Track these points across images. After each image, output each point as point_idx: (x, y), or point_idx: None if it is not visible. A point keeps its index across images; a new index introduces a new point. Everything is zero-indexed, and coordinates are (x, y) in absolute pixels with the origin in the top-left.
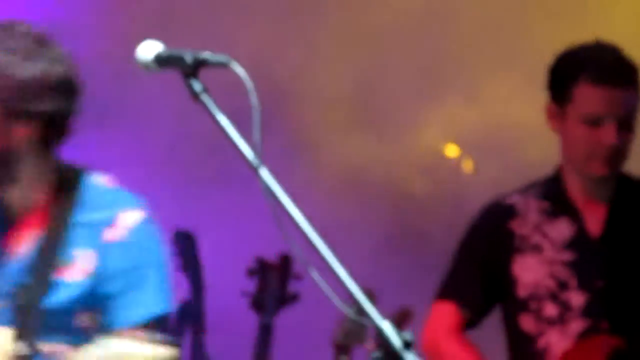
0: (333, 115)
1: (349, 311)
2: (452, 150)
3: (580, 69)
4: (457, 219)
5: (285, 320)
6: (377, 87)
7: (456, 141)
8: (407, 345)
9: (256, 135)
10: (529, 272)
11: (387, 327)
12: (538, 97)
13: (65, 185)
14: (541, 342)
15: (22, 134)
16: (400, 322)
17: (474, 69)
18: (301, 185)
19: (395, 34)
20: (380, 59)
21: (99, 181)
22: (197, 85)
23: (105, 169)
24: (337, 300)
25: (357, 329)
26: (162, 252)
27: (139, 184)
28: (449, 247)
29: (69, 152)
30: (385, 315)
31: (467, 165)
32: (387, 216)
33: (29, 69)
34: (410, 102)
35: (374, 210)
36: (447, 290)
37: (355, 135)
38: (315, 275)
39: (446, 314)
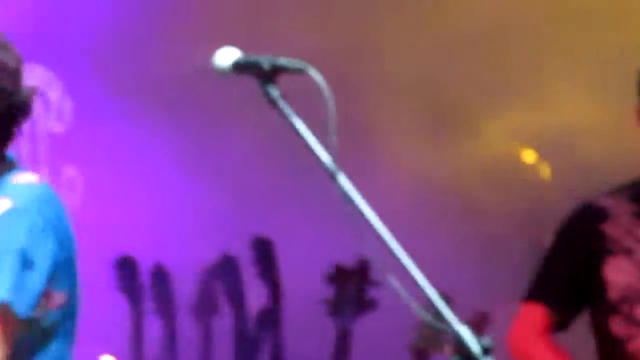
0: (403, 119)
1: (426, 316)
2: (528, 156)
3: None
4: (531, 225)
5: (363, 327)
6: (448, 91)
7: (527, 145)
8: (486, 351)
9: (332, 140)
10: (621, 275)
11: (465, 332)
12: (603, 99)
13: None
14: (632, 346)
15: None
16: (477, 327)
17: (539, 74)
18: (372, 190)
19: (467, 39)
20: (453, 63)
21: (19, 178)
22: (274, 92)
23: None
24: (415, 306)
25: (435, 334)
26: (22, 245)
27: (218, 191)
28: (523, 251)
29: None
30: (462, 320)
31: (544, 171)
32: (460, 223)
33: None
34: (481, 107)
35: (447, 215)
36: (536, 292)
37: (427, 140)
38: (393, 281)
39: (535, 315)
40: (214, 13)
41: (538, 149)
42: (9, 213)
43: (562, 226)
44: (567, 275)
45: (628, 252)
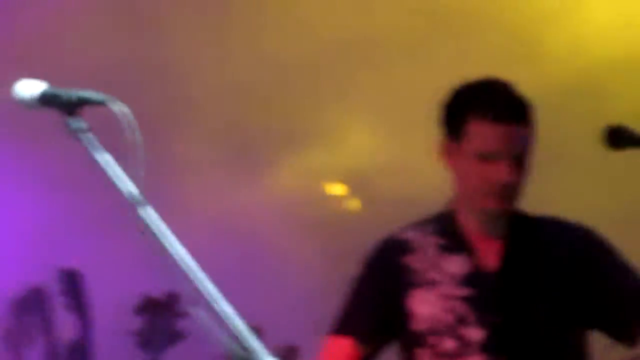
0: (205, 154)
1: (235, 348)
2: (332, 190)
3: (475, 106)
4: (340, 258)
5: (173, 358)
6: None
7: (329, 181)
8: None
9: (139, 172)
10: (425, 307)
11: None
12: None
13: None
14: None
15: None
16: (286, 358)
17: (340, 114)
18: (179, 224)
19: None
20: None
21: None
22: (76, 124)
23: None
24: (223, 338)
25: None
26: None
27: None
28: (333, 282)
29: None
30: (271, 352)
31: (349, 205)
32: (261, 259)
33: None
34: (281, 145)
35: (250, 252)
36: (343, 325)
37: (228, 176)
38: (200, 313)
39: (342, 348)
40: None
41: (342, 184)
42: None
43: (367, 259)
44: (372, 308)
45: (432, 284)
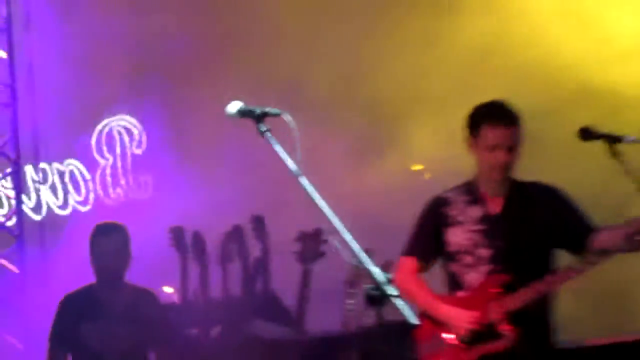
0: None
1: (356, 261)
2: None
3: (483, 117)
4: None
5: (319, 269)
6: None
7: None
8: (389, 281)
9: (298, 156)
10: (456, 237)
11: (377, 271)
12: None
13: None
14: (464, 279)
15: None
16: (385, 269)
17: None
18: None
19: None
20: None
21: None
22: (262, 127)
23: None
24: (352, 256)
25: (360, 272)
26: None
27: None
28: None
29: None
30: (377, 264)
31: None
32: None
33: None
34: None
35: None
36: (409, 250)
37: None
38: (335, 241)
39: (409, 264)
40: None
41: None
42: None
43: (423, 208)
44: (425, 239)
45: (461, 223)
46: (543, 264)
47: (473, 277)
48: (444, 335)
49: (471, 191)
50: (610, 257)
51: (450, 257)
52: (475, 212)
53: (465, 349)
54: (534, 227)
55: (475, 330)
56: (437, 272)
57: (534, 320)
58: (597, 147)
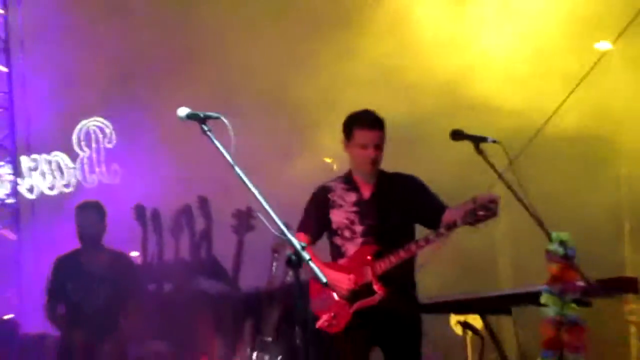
0: None
1: (279, 233)
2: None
3: (355, 122)
4: None
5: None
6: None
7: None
8: (304, 248)
9: (233, 150)
10: (337, 217)
11: (295, 241)
12: None
13: None
14: (344, 249)
15: None
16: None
17: None
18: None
19: None
20: None
21: None
22: (205, 127)
23: None
24: (273, 229)
25: (283, 241)
26: None
27: None
28: None
29: None
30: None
31: None
32: None
33: None
34: None
35: None
36: (301, 227)
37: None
38: (263, 217)
39: (301, 238)
40: None
41: None
42: None
43: (312, 194)
44: (314, 219)
45: (340, 206)
46: (405, 237)
47: (350, 247)
48: (331, 294)
49: (349, 181)
50: (457, 230)
51: (333, 232)
52: (352, 197)
53: (347, 305)
54: (397, 208)
55: (353, 290)
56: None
57: (399, 279)
58: (466, 146)
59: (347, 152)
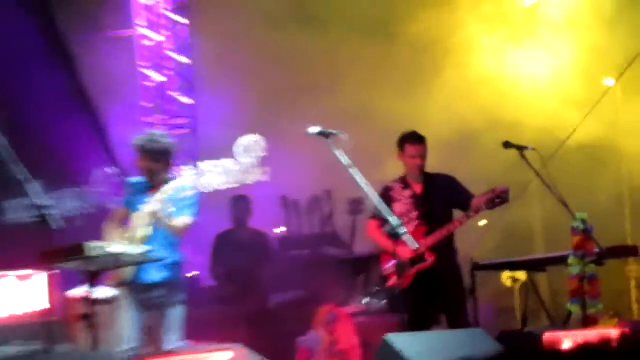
0: None
1: (380, 215)
2: None
3: (406, 139)
4: None
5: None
6: None
7: None
8: (399, 225)
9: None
10: (398, 207)
11: (393, 219)
12: None
13: None
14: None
15: None
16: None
17: None
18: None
19: None
20: None
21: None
22: (329, 141)
23: None
24: (376, 212)
25: (383, 221)
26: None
27: None
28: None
29: None
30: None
31: None
32: None
33: None
34: None
35: None
36: (374, 215)
37: None
38: (370, 204)
39: (374, 223)
40: None
41: None
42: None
43: (379, 191)
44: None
45: (399, 200)
46: (446, 219)
47: (408, 228)
48: (395, 261)
49: (404, 181)
50: (481, 212)
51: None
52: (407, 192)
53: (408, 268)
54: (439, 198)
55: (412, 258)
56: None
57: (443, 249)
58: (508, 153)
59: (401, 160)
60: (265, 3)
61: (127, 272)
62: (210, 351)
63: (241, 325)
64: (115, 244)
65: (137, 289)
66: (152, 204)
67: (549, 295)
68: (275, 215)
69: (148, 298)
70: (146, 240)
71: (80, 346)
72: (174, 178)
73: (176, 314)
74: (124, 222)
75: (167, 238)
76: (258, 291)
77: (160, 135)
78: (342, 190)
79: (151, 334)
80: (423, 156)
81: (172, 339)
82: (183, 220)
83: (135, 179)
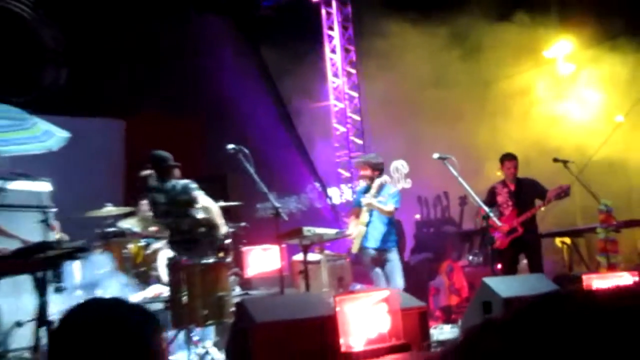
0: None
1: (477, 204)
2: None
3: (504, 157)
4: None
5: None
6: None
7: None
8: (489, 212)
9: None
10: (500, 198)
11: (486, 208)
12: None
13: None
14: (504, 212)
15: None
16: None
17: None
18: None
19: None
20: None
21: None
22: (445, 162)
23: None
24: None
25: (478, 208)
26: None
27: None
28: None
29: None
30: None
31: None
32: None
33: None
34: None
35: None
36: (484, 203)
37: None
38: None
39: (483, 210)
40: None
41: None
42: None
43: (488, 189)
44: (488, 200)
45: (500, 194)
46: (530, 205)
47: (506, 211)
48: (499, 231)
49: (503, 183)
50: (552, 201)
51: (498, 205)
52: (506, 190)
53: (506, 237)
54: (525, 193)
55: (509, 229)
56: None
57: (528, 224)
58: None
59: (501, 170)
60: (411, 69)
61: (355, 245)
62: (373, 290)
63: None
64: (315, 228)
65: (364, 252)
66: (369, 199)
67: (585, 252)
68: (414, 207)
69: (370, 257)
70: (367, 223)
71: (299, 290)
72: (384, 182)
73: (395, 265)
74: (357, 216)
75: (381, 219)
76: (403, 253)
77: (377, 155)
78: (454, 191)
79: (341, 281)
80: (515, 167)
81: (398, 281)
82: (390, 206)
83: (359, 188)
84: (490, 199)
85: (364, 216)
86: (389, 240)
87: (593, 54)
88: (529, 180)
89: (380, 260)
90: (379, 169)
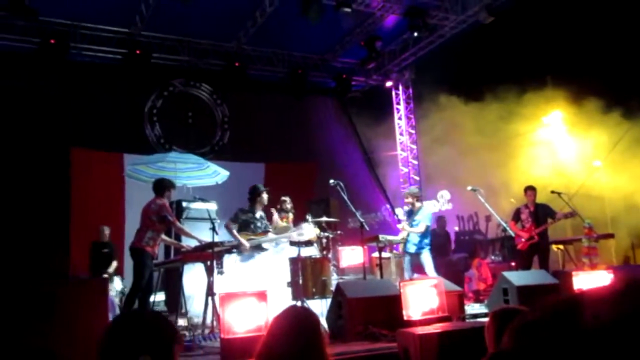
0: None
1: (498, 222)
2: None
3: (526, 189)
4: None
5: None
6: None
7: None
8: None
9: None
10: (523, 216)
11: (504, 223)
12: None
13: None
14: (525, 225)
15: None
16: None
17: None
18: None
19: None
20: None
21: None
22: (477, 193)
23: None
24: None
25: (498, 224)
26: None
27: None
28: None
29: None
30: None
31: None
32: None
33: None
34: None
35: None
36: (511, 218)
37: None
38: (495, 219)
39: (513, 223)
40: None
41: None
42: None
43: (514, 210)
44: (515, 217)
45: (524, 212)
46: (543, 222)
47: (527, 224)
48: (522, 238)
49: (526, 205)
50: (559, 220)
51: (521, 220)
52: (527, 210)
53: (527, 242)
54: (540, 213)
55: (529, 237)
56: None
57: (542, 234)
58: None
59: (525, 196)
60: (456, 128)
61: (409, 246)
62: (426, 278)
63: (441, 268)
64: (387, 236)
65: (408, 253)
66: (404, 224)
67: (574, 255)
68: (454, 222)
69: (412, 257)
70: (407, 235)
71: (376, 277)
72: (421, 206)
73: (426, 262)
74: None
75: (418, 234)
76: (448, 253)
77: (417, 187)
78: (481, 212)
79: (401, 274)
80: (534, 195)
81: (429, 271)
82: (421, 226)
83: (406, 209)
84: (517, 216)
85: (406, 230)
86: (421, 246)
87: (578, 119)
88: (543, 205)
89: (417, 258)
90: (417, 198)
